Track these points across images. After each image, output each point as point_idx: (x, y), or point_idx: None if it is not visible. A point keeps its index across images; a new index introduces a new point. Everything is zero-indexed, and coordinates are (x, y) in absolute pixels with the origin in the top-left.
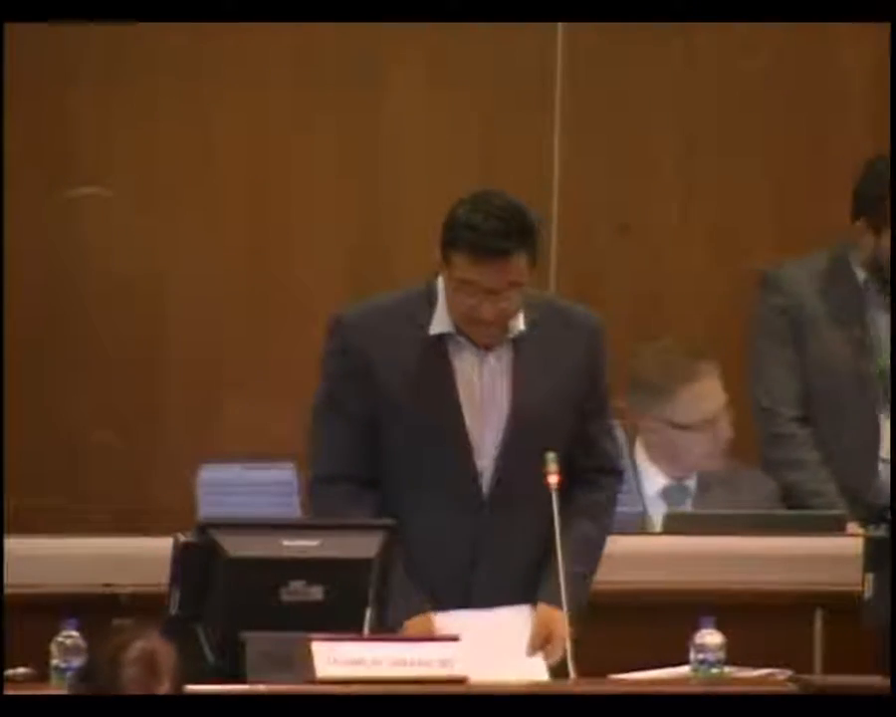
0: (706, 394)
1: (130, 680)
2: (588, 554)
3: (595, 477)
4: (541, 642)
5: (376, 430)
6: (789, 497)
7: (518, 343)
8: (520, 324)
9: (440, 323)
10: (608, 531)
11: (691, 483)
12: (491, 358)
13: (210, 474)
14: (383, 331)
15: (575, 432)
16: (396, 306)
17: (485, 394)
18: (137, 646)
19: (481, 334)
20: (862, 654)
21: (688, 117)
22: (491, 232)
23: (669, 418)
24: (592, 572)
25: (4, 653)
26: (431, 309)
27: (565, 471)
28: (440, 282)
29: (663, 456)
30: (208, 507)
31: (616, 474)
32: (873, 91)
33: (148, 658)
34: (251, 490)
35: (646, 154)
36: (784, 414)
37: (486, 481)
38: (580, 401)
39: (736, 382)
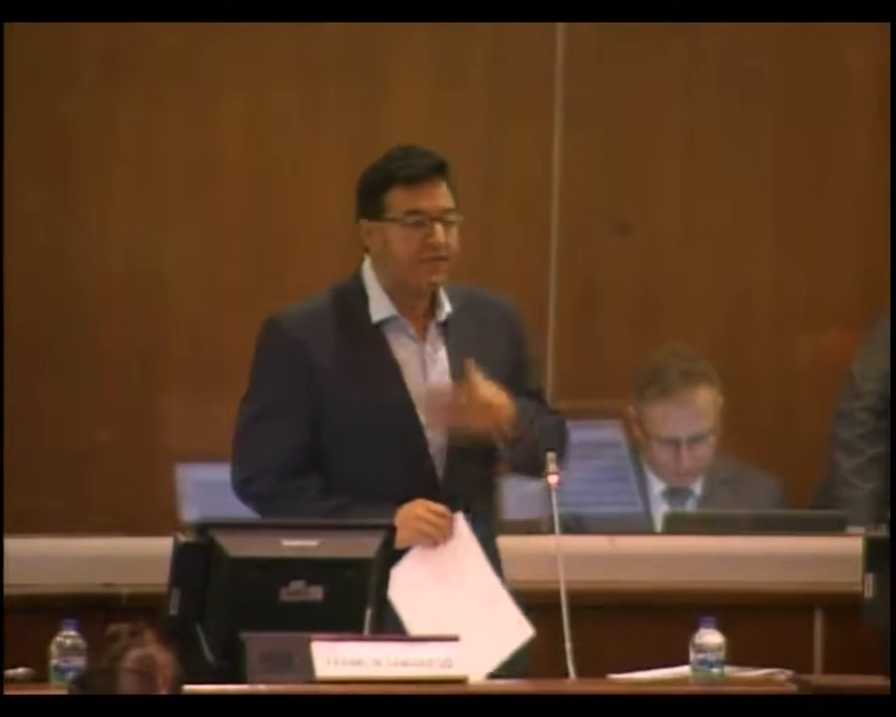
0: (683, 417)
1: (127, 691)
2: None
3: None
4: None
5: (318, 435)
6: (831, 478)
7: (447, 329)
8: (447, 306)
9: (380, 309)
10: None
11: (696, 486)
12: (427, 346)
13: (208, 474)
14: (321, 328)
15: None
16: (328, 302)
17: (427, 382)
18: (133, 656)
19: (432, 272)
20: (862, 654)
21: (688, 116)
22: (417, 157)
23: (650, 431)
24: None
25: (4, 653)
26: (364, 299)
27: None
28: (365, 271)
29: (648, 462)
30: (204, 507)
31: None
32: (873, 91)
33: (145, 668)
34: None
35: (647, 154)
36: (866, 400)
37: (438, 467)
38: (507, 375)
39: (736, 383)
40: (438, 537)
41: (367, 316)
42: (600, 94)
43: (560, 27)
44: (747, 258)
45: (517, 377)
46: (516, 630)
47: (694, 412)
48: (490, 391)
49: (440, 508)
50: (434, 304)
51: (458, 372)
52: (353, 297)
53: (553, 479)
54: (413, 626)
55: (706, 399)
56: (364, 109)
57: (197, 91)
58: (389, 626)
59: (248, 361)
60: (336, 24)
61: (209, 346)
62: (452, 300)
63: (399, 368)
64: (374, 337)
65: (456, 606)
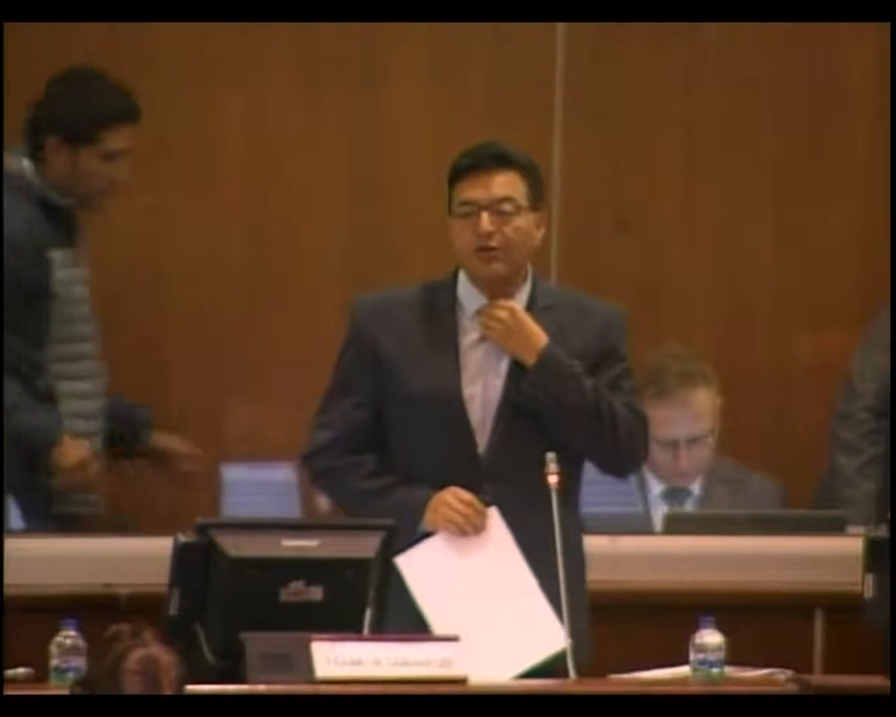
0: (681, 418)
1: (131, 692)
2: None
3: None
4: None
5: (381, 417)
6: (831, 477)
7: None
8: (522, 297)
9: (472, 300)
10: (611, 405)
11: (695, 486)
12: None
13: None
14: (396, 314)
15: None
16: (414, 294)
17: (489, 373)
18: (136, 656)
19: (488, 262)
20: (862, 654)
21: (688, 116)
22: (481, 149)
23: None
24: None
25: (4, 653)
26: (452, 294)
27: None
28: (462, 271)
29: (646, 463)
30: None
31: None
32: (873, 91)
33: (148, 668)
34: (251, 490)
35: (647, 153)
36: (865, 400)
37: (484, 460)
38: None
39: (736, 383)
40: (463, 525)
41: (451, 309)
42: (600, 94)
43: (561, 27)
44: (747, 258)
45: (600, 372)
46: (547, 638)
47: (692, 414)
48: (527, 320)
49: (467, 496)
50: (532, 298)
51: (516, 370)
52: (443, 292)
53: (552, 479)
54: (428, 610)
55: (704, 400)
56: (364, 109)
57: (197, 90)
58: (390, 627)
59: (247, 360)
60: (336, 24)
61: (209, 345)
62: (542, 296)
63: (460, 363)
64: (449, 329)
65: (480, 601)
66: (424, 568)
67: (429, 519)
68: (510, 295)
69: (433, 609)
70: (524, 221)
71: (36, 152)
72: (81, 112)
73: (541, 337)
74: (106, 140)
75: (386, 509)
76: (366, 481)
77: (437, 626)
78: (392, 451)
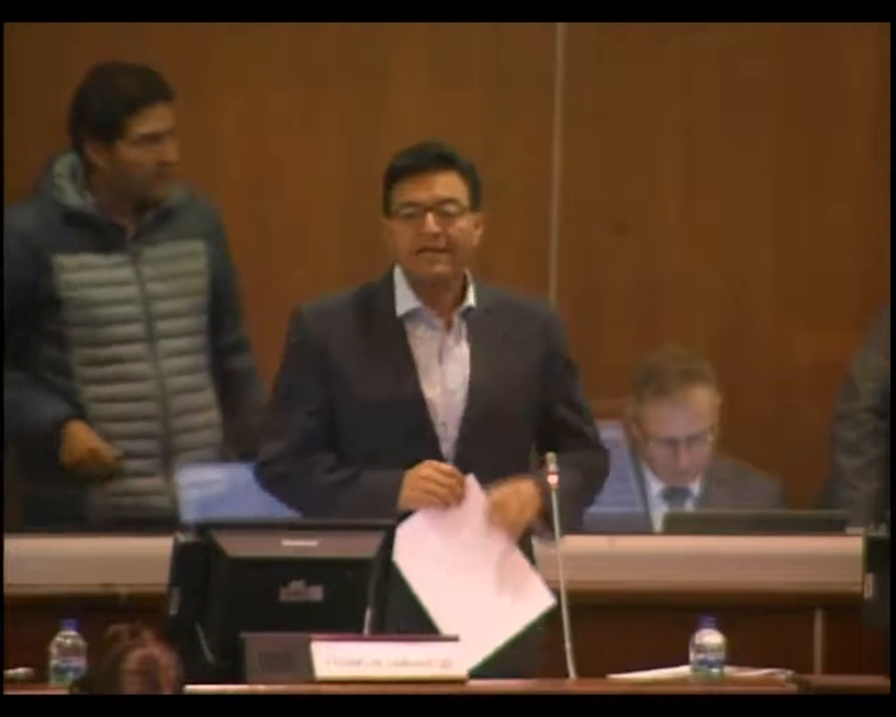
0: (681, 417)
1: (130, 693)
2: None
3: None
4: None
5: (333, 424)
6: (832, 478)
7: (472, 325)
8: (470, 299)
9: (405, 302)
10: (594, 487)
11: (695, 486)
12: (449, 339)
13: (204, 473)
14: (341, 319)
15: (545, 419)
16: (354, 297)
17: (446, 376)
18: (135, 657)
19: (432, 263)
20: (862, 654)
21: (688, 116)
22: (422, 150)
23: (648, 430)
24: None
25: (4, 653)
26: (390, 294)
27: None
28: (397, 270)
29: (646, 462)
30: (200, 507)
31: (598, 449)
32: (873, 91)
33: (148, 668)
34: (250, 489)
35: (646, 154)
36: (865, 401)
37: (449, 462)
38: (537, 387)
39: (736, 383)
40: (447, 497)
41: (391, 311)
42: (600, 94)
43: (560, 27)
44: (746, 258)
45: (550, 390)
46: (535, 599)
47: (692, 412)
48: (512, 498)
49: (448, 468)
50: (464, 297)
51: (479, 370)
52: (381, 293)
53: (552, 479)
54: (421, 591)
55: (704, 399)
56: (364, 109)
57: (197, 90)
58: (390, 627)
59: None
60: (337, 24)
61: None
62: (481, 299)
63: (415, 365)
64: (394, 332)
65: (469, 571)
66: (411, 547)
67: (408, 496)
68: (452, 292)
69: (425, 588)
70: (466, 222)
71: (83, 159)
72: (102, 106)
73: (533, 499)
74: (134, 127)
75: (356, 497)
76: (328, 475)
77: (430, 604)
78: (346, 456)
